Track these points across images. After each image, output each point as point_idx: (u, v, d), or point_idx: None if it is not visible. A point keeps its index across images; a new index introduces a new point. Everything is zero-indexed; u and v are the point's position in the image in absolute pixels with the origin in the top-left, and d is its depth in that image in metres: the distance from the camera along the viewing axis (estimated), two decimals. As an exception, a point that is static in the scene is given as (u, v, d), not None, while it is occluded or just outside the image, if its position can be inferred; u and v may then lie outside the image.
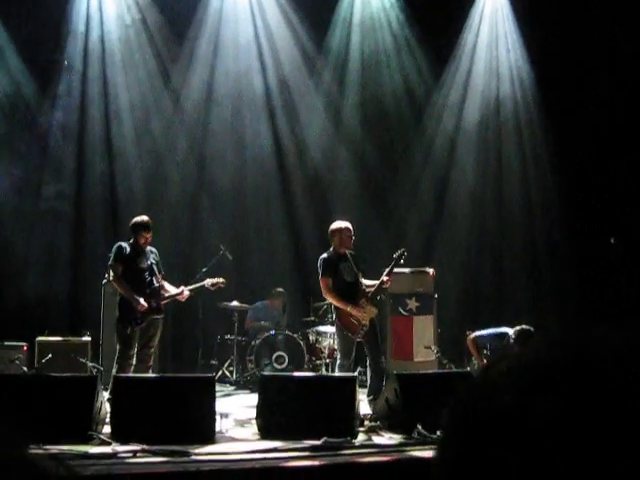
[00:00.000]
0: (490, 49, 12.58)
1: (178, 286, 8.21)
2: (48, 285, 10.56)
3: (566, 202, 11.87)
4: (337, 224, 8.07)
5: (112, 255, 8.02)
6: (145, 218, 8.11)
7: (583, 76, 11.37)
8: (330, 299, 7.99)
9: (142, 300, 7.77)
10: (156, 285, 8.02)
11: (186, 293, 8.15)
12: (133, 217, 8.26)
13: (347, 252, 8.01)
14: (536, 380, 0.70)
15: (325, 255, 8.00)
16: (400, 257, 8.11)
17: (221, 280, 8.43)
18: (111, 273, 8.29)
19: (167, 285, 8.16)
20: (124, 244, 8.04)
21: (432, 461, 0.77)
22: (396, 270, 8.67)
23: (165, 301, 8.07)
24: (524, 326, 8.04)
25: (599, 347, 0.73)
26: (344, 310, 7.77)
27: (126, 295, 7.82)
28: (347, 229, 7.99)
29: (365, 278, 8.06)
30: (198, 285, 8.35)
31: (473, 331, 8.60)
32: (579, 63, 11.31)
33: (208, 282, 8.35)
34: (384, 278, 7.95)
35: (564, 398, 0.67)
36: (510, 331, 8.12)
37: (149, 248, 8.13)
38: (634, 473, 0.63)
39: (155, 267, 8.07)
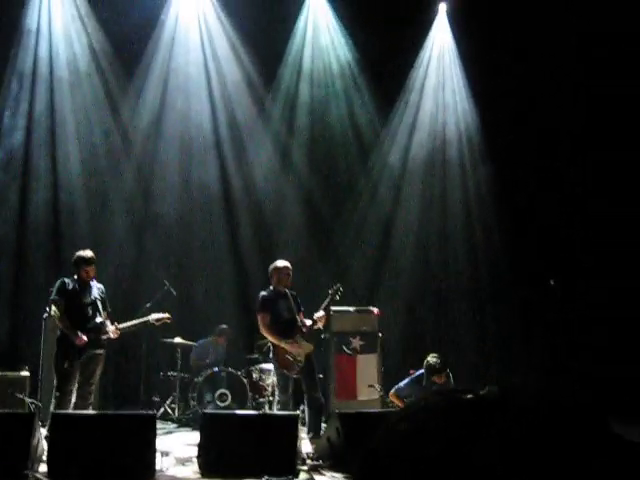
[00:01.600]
0: (437, 91, 12.88)
1: (116, 323, 8.08)
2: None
3: (509, 243, 12.11)
4: (276, 263, 8.31)
5: (54, 290, 7.93)
6: (88, 252, 8.04)
7: (526, 117, 11.68)
8: (266, 334, 8.11)
9: (81, 334, 7.66)
10: (98, 320, 7.91)
11: (113, 332, 7.92)
12: (77, 251, 8.18)
13: (286, 291, 8.16)
14: (417, 428, 0.77)
15: (264, 292, 8.20)
16: (335, 293, 8.31)
17: (166, 315, 8.37)
18: (53, 308, 8.16)
19: (108, 323, 8.03)
20: (67, 279, 7.96)
21: None
22: (340, 308, 8.78)
23: (105, 336, 7.94)
24: (429, 359, 8.30)
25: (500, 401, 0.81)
26: (279, 346, 7.90)
27: (65, 330, 7.72)
28: (285, 268, 8.20)
29: (306, 317, 8.17)
30: (140, 321, 8.23)
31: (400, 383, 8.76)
32: (522, 104, 11.62)
33: (153, 317, 8.27)
34: (317, 315, 8.11)
35: (437, 444, 0.74)
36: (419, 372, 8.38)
37: (94, 283, 8.05)
38: None
39: (100, 303, 7.97)
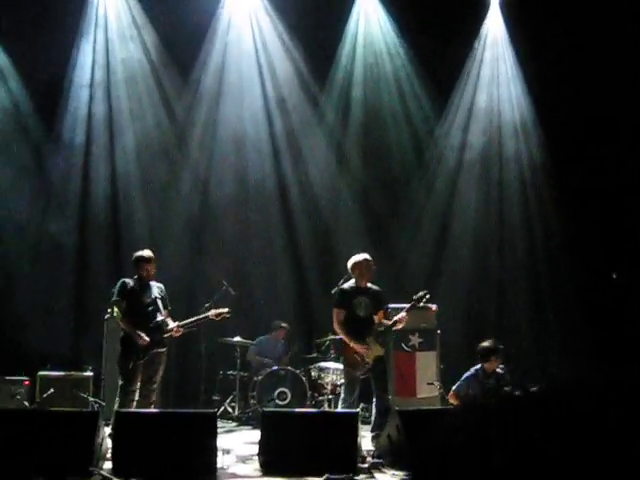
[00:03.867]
0: (491, 83, 12.70)
1: (176, 321, 8.17)
2: (51, 320, 10.57)
3: (569, 237, 11.88)
4: (356, 257, 8.11)
5: (115, 291, 8.05)
6: (147, 251, 8.18)
7: (582, 107, 11.44)
8: (338, 331, 7.97)
9: (144, 335, 7.77)
10: (159, 319, 8.02)
11: (176, 329, 8.02)
12: (136, 251, 8.31)
13: (370, 287, 8.03)
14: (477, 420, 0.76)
15: (343, 286, 8.04)
16: (420, 299, 8.14)
17: (225, 310, 8.37)
18: (115, 309, 8.29)
19: (170, 321, 8.13)
20: (128, 280, 8.08)
21: None
22: (398, 305, 8.70)
23: (167, 334, 8.03)
24: (484, 343, 8.18)
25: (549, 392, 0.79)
26: (349, 345, 7.76)
27: (128, 330, 7.83)
28: (366, 260, 8.03)
29: (386, 317, 8.02)
30: (200, 317, 8.28)
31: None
32: (577, 94, 11.38)
33: (212, 312, 8.30)
34: (397, 318, 7.96)
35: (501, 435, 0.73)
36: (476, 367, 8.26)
37: (154, 283, 8.16)
38: None
39: (160, 302, 8.07)
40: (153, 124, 11.50)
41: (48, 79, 10.96)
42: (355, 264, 8.02)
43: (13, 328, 10.30)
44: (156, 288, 8.15)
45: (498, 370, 8.36)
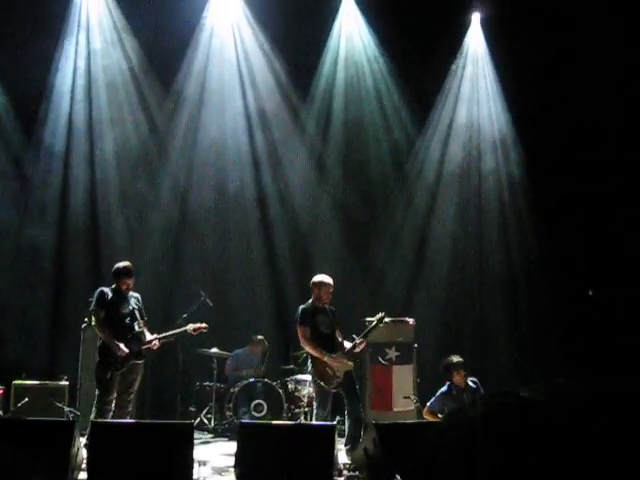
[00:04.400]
0: (471, 100, 12.82)
1: (155, 333, 8.13)
2: (26, 328, 10.50)
3: (546, 251, 11.98)
4: (318, 278, 8.24)
5: (94, 300, 8.00)
6: (127, 264, 8.12)
7: (562, 125, 11.57)
8: (307, 348, 8.04)
9: (122, 345, 7.73)
10: (137, 330, 7.98)
11: (155, 342, 8.02)
12: (115, 262, 8.25)
13: (325, 306, 8.16)
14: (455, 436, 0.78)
15: (304, 305, 8.16)
16: (379, 322, 8.24)
17: (203, 325, 8.36)
18: (93, 318, 8.24)
19: (147, 332, 8.09)
20: (106, 289, 8.03)
21: None
22: (372, 319, 8.75)
23: (145, 346, 8.00)
24: (445, 359, 8.36)
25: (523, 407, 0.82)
26: (320, 360, 7.87)
27: (107, 340, 7.76)
28: (327, 284, 8.17)
29: (340, 336, 8.12)
30: (177, 331, 8.28)
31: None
32: (557, 112, 11.51)
33: (190, 327, 8.29)
34: (358, 340, 8.08)
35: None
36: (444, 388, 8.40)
37: (131, 293, 8.12)
38: None
39: (137, 313, 8.04)
40: (133, 132, 11.49)
41: (29, 85, 10.87)
42: (316, 284, 8.17)
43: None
44: (133, 299, 8.11)
45: (470, 384, 8.48)
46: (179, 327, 8.39)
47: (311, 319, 8.01)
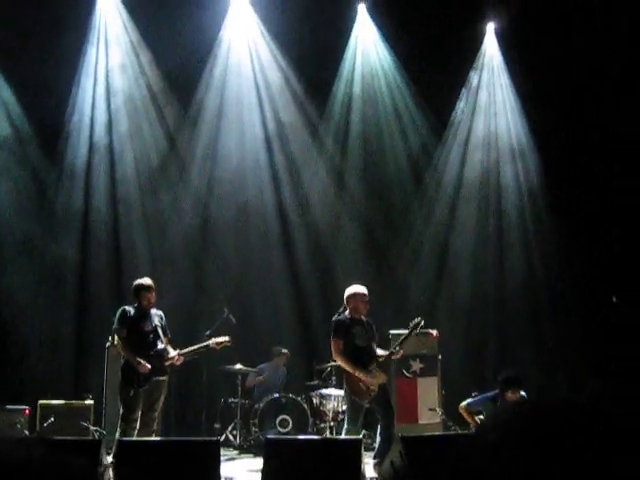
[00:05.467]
0: (488, 109, 12.82)
1: (177, 349, 8.11)
2: (51, 348, 10.56)
3: (568, 262, 11.91)
4: (353, 289, 8.07)
5: (116, 319, 8.00)
6: (147, 280, 8.14)
7: (581, 132, 11.52)
8: (340, 362, 7.87)
9: (145, 362, 7.71)
10: (160, 347, 7.96)
11: (177, 358, 7.98)
12: (137, 278, 8.28)
13: (362, 317, 8.00)
14: (500, 441, 0.75)
15: (339, 317, 7.97)
16: (416, 327, 8.11)
17: (227, 339, 8.32)
18: (115, 337, 8.27)
19: (170, 349, 8.09)
20: (128, 307, 8.03)
21: None
22: (399, 332, 8.70)
23: (168, 363, 7.98)
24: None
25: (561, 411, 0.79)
26: (353, 375, 7.74)
27: (129, 358, 7.76)
28: (363, 295, 8.00)
29: (377, 348, 8.03)
30: (200, 346, 8.25)
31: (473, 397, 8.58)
32: (575, 119, 11.47)
33: (213, 342, 8.25)
34: (394, 349, 7.98)
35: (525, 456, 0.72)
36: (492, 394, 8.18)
37: (154, 310, 8.12)
38: None
39: (160, 329, 8.03)
40: (153, 148, 11.59)
41: (49, 103, 11.02)
42: (352, 295, 8.01)
43: (14, 357, 10.28)
44: (156, 316, 8.11)
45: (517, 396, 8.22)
46: (202, 342, 8.37)
47: (346, 332, 7.81)
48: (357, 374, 7.67)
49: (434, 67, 11.50)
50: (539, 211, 12.58)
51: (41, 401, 9.41)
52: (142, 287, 8.04)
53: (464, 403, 8.40)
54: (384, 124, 12.50)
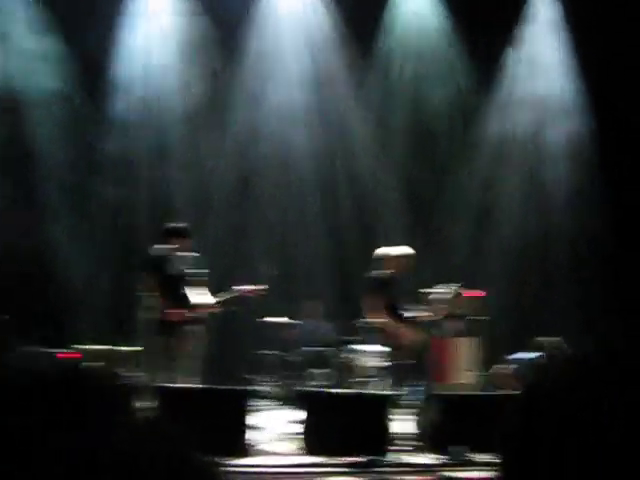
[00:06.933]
0: (538, 65, 12.49)
1: (214, 297, 7.90)
2: (93, 294, 10.68)
3: (615, 218, 11.62)
4: (403, 249, 8.12)
5: (143, 264, 7.78)
6: (179, 224, 7.87)
7: (635, 93, 11.16)
8: (382, 317, 7.88)
9: (176, 310, 7.48)
10: (192, 293, 7.67)
11: (213, 306, 7.78)
12: (170, 223, 8.05)
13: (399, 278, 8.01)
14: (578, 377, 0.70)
15: (380, 274, 7.92)
16: (456, 296, 8.12)
17: (262, 287, 8.11)
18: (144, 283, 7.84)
19: (205, 296, 7.81)
20: (155, 252, 7.74)
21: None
22: (441, 290, 8.64)
23: (205, 311, 7.75)
24: (550, 341, 8.11)
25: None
26: (391, 330, 7.70)
27: (161, 305, 7.51)
28: (413, 257, 8.05)
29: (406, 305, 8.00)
30: (234, 294, 7.97)
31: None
32: (629, 76, 11.10)
33: (247, 288, 8.01)
34: (430, 313, 8.10)
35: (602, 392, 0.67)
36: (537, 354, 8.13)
37: (185, 254, 7.77)
38: None
39: (192, 275, 7.74)
40: (197, 100, 11.52)
41: (96, 58, 11.02)
42: (401, 256, 7.95)
43: (57, 303, 10.41)
44: (187, 259, 7.76)
45: None
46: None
47: (388, 289, 7.83)
48: (401, 329, 7.61)
49: (484, 19, 11.20)
50: (587, 167, 12.28)
51: (80, 346, 9.53)
52: (174, 230, 7.74)
53: (508, 369, 8.36)
54: (429, 78, 12.27)
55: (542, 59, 12.53)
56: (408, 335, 7.70)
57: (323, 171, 11.90)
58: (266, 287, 8.19)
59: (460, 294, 9.95)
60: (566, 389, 0.72)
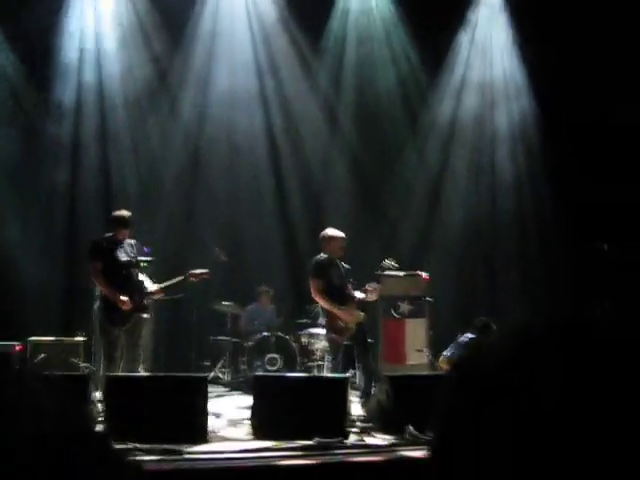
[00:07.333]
0: (485, 48, 12.64)
1: (156, 283, 7.89)
2: (42, 285, 10.54)
3: (560, 204, 11.87)
4: (330, 231, 8.18)
5: (89, 252, 7.62)
6: (125, 213, 7.73)
7: (578, 75, 11.34)
8: (319, 300, 8.05)
9: (126, 298, 7.39)
10: (138, 280, 7.65)
11: (157, 291, 7.76)
12: (115, 212, 7.89)
13: (337, 260, 8.12)
14: (521, 351, 0.72)
15: (319, 258, 8.11)
16: (384, 269, 8.28)
17: (205, 271, 8.02)
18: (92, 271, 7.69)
19: (149, 282, 7.83)
20: (100, 239, 7.66)
21: (429, 445, 0.76)
22: (388, 272, 8.76)
23: (148, 298, 7.72)
24: (478, 320, 8.29)
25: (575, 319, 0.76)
26: (332, 312, 7.88)
27: (108, 293, 7.42)
28: (341, 239, 8.11)
29: (352, 289, 8.14)
30: (180, 279, 7.89)
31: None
32: (574, 58, 11.27)
33: (191, 273, 7.91)
34: (371, 286, 8.13)
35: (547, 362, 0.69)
36: (471, 335, 8.31)
37: (128, 241, 7.70)
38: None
39: (134, 261, 7.68)
40: (143, 84, 11.39)
41: (37, 42, 10.80)
42: (329, 238, 8.10)
43: (4, 294, 10.26)
44: (129, 246, 7.69)
45: None
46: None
47: (325, 272, 7.98)
48: (336, 311, 7.82)
49: (433, 2, 11.27)
50: (532, 152, 12.52)
51: (32, 337, 9.44)
52: (121, 221, 7.61)
53: (442, 356, 8.54)
54: (378, 61, 12.32)
55: (490, 42, 12.67)
56: (345, 317, 7.84)
57: (273, 157, 11.92)
58: (208, 271, 8.14)
59: (416, 275, 10.13)
60: (495, 361, 0.72)
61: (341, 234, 8.16)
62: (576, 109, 11.32)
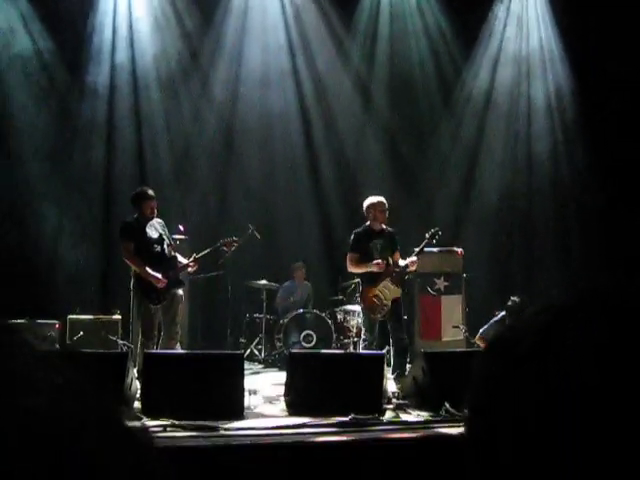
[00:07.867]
0: (521, 24, 12.43)
1: (187, 257, 7.93)
2: (79, 264, 10.66)
3: (598, 176, 11.67)
4: (370, 199, 8.06)
5: (119, 234, 7.65)
6: (145, 188, 7.79)
7: (617, 45, 11.10)
8: (354, 271, 8.03)
9: (160, 275, 7.42)
10: (170, 256, 7.65)
11: (192, 263, 7.79)
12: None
13: (384, 228, 8.01)
14: (554, 320, 0.70)
15: (358, 229, 8.02)
16: (433, 237, 8.09)
17: (235, 238, 8.11)
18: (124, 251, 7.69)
19: (179, 256, 7.85)
20: (129, 219, 7.67)
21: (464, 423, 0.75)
22: (425, 250, 8.69)
23: (182, 272, 7.78)
24: (511, 300, 8.23)
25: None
26: (367, 288, 7.81)
27: (142, 273, 7.43)
28: (380, 203, 7.97)
29: (401, 258, 8.04)
30: (211, 249, 7.99)
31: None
32: (611, 32, 11.03)
33: (221, 242, 8.02)
34: (410, 260, 7.95)
35: (583, 335, 0.67)
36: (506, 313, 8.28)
37: (155, 219, 7.70)
38: None
39: (165, 238, 7.69)
40: (177, 66, 11.41)
41: (71, 24, 10.85)
42: (370, 206, 7.99)
43: (42, 272, 10.40)
44: (159, 224, 7.71)
45: None
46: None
47: (364, 245, 7.87)
48: (366, 288, 7.73)
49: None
50: (570, 126, 12.30)
51: (70, 316, 9.58)
52: (145, 195, 7.60)
53: (478, 335, 8.52)
54: (412, 37, 12.20)
55: (527, 13, 12.45)
56: (377, 293, 7.74)
57: (307, 136, 11.88)
58: (239, 238, 8.21)
59: (452, 251, 10.04)
60: (529, 331, 0.71)
61: (379, 198, 8.03)
62: (612, 78, 11.09)
